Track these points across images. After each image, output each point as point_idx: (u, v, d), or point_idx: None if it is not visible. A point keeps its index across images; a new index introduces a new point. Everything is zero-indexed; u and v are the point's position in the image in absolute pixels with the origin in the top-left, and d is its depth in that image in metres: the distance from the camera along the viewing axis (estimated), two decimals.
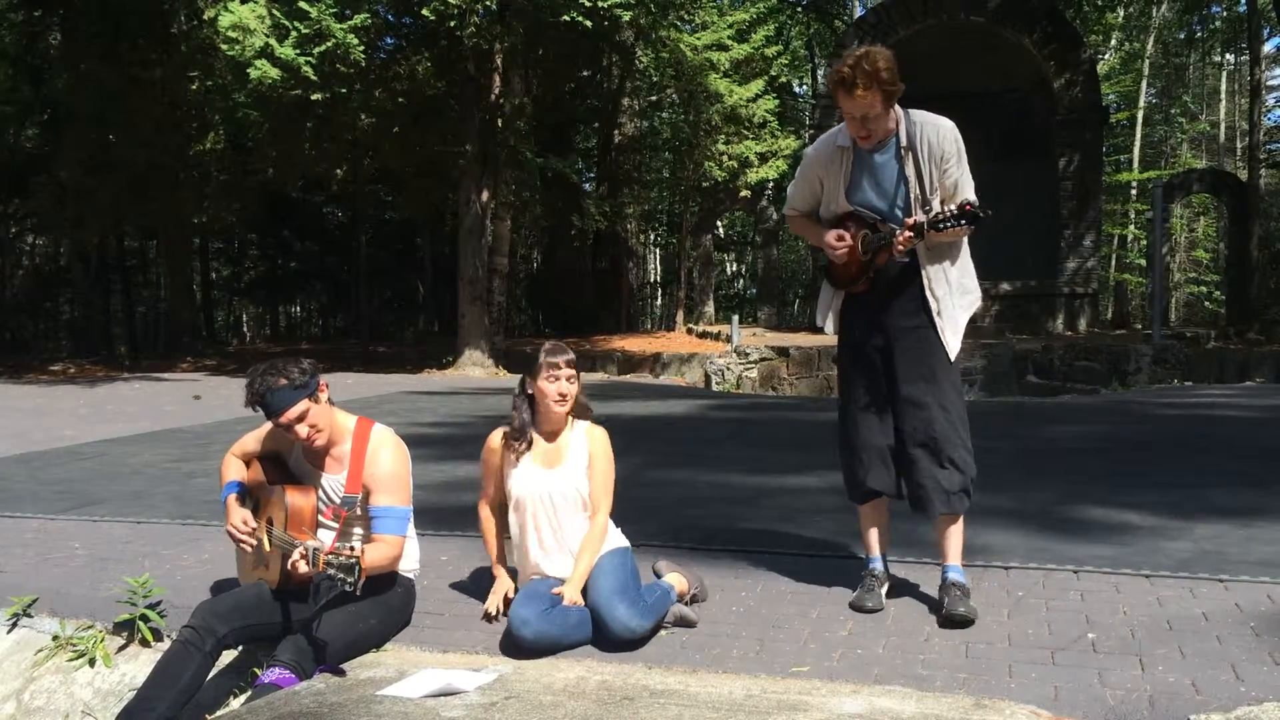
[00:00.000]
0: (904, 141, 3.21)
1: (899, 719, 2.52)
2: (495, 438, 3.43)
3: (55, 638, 3.53)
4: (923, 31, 19.36)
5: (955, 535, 3.38)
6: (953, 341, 3.28)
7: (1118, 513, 4.72)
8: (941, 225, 3.09)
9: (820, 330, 3.67)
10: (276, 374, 3.09)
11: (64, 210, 21.59)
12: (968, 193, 3.21)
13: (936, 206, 3.17)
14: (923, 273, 3.27)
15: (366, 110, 17.60)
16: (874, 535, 3.53)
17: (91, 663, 3.42)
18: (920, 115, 3.25)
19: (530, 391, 3.34)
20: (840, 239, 3.28)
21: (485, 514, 3.52)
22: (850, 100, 3.11)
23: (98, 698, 3.33)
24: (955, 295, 3.29)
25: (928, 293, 3.27)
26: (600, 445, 3.37)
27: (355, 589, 2.80)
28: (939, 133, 3.19)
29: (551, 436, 3.37)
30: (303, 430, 3.11)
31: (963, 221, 3.06)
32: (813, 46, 33.84)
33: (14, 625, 3.67)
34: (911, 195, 3.21)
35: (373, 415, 3.35)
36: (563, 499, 3.30)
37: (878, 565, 3.51)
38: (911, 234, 3.12)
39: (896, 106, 3.23)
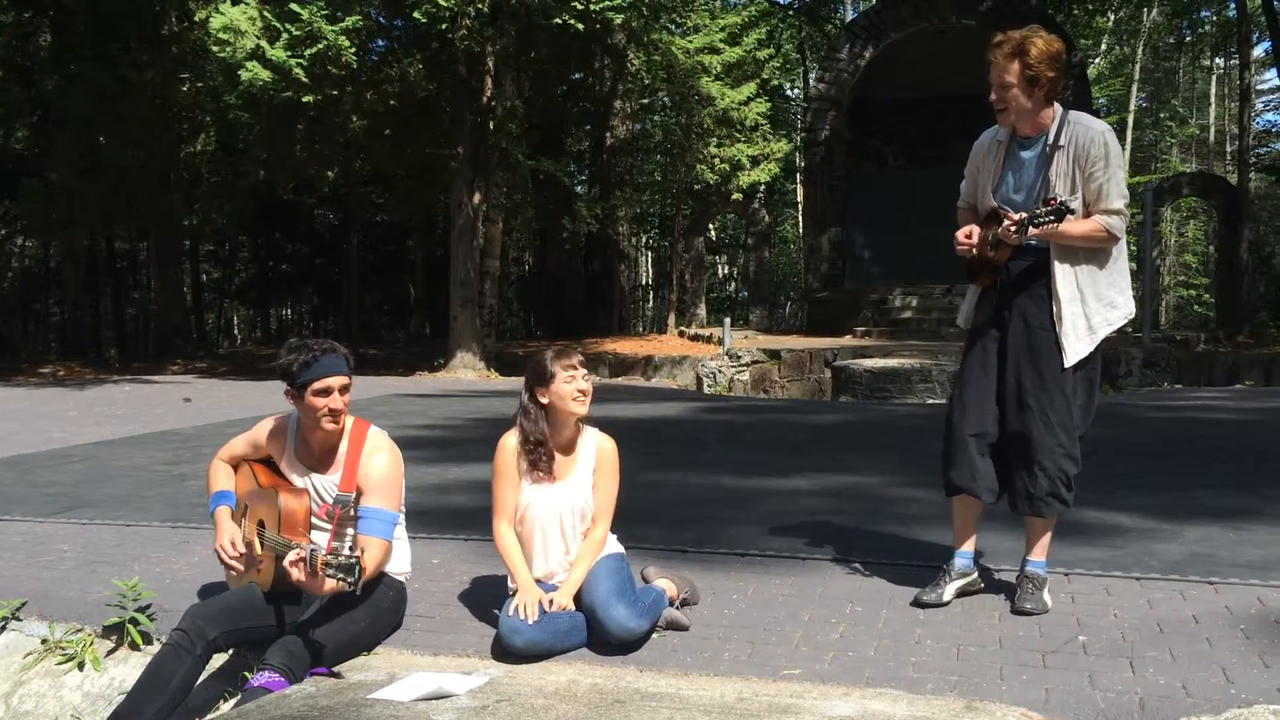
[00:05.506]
0: (1052, 139, 3.20)
1: None
2: (510, 439, 3.28)
3: (44, 641, 3.51)
4: (914, 35, 19.42)
5: (1038, 532, 3.41)
6: (1073, 348, 3.19)
7: (1108, 515, 4.73)
8: (1037, 222, 3.07)
9: (956, 326, 3.67)
10: (332, 346, 3.14)
11: (54, 212, 21.48)
12: (1112, 200, 3.15)
13: (1079, 209, 3.15)
14: (1051, 272, 3.21)
15: (358, 112, 17.54)
16: (959, 528, 3.51)
17: (81, 666, 3.40)
18: (1078, 116, 3.22)
19: (545, 400, 3.21)
20: (968, 235, 3.30)
21: (507, 534, 3.27)
22: (994, 63, 3.18)
23: (87, 701, 3.31)
24: (1090, 302, 3.20)
25: (1053, 293, 3.21)
26: (609, 459, 3.32)
27: (356, 589, 2.81)
28: (1089, 133, 3.16)
29: (565, 448, 3.29)
30: (336, 403, 3.09)
31: (1052, 218, 3.04)
32: (804, 50, 33.90)
33: (2, 629, 3.64)
34: (1049, 194, 3.16)
35: (364, 418, 3.34)
36: (571, 511, 3.26)
37: (957, 560, 3.48)
38: (1012, 227, 3.10)
39: (1058, 106, 3.23)
